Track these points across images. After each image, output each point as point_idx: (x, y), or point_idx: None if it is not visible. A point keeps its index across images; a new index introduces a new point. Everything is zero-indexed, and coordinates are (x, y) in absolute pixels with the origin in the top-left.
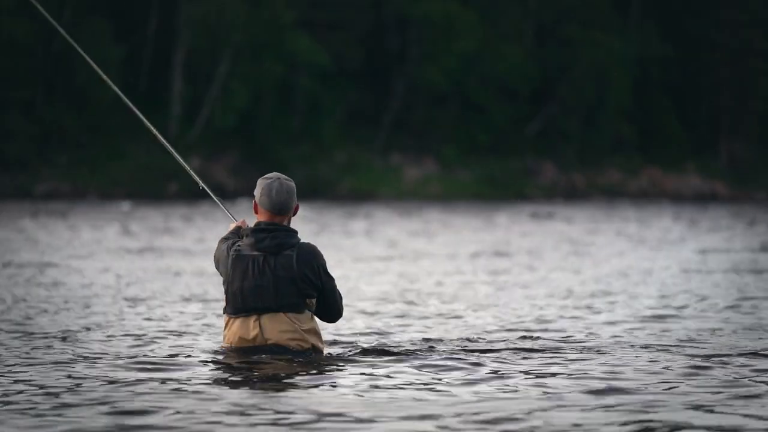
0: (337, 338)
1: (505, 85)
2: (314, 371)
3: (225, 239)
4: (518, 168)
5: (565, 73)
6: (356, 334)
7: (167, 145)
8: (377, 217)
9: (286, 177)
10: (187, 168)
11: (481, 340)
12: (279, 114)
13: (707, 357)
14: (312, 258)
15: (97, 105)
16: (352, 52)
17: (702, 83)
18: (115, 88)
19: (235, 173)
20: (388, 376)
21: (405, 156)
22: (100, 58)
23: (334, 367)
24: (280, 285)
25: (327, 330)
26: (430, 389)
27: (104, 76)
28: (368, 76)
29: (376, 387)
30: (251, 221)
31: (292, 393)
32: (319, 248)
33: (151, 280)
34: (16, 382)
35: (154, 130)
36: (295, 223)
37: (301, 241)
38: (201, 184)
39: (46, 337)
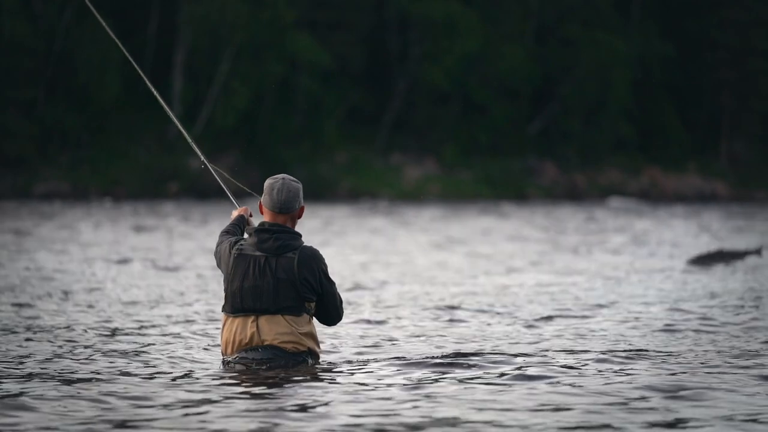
0: (333, 342)
1: (506, 84)
2: (308, 375)
3: (226, 232)
4: (519, 168)
5: (566, 73)
6: (355, 338)
7: (174, 118)
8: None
9: (294, 178)
10: (194, 146)
11: (471, 347)
12: (280, 114)
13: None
14: (313, 262)
15: (98, 105)
16: (353, 52)
17: (703, 83)
18: (129, 57)
19: (236, 173)
20: (382, 382)
21: (405, 156)
22: (101, 58)
23: (328, 371)
24: (280, 287)
25: (326, 333)
26: (416, 397)
27: (124, 50)
28: (369, 76)
29: (367, 393)
30: (255, 210)
31: (283, 397)
32: (321, 252)
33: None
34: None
35: (162, 101)
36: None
37: (304, 244)
38: (205, 161)
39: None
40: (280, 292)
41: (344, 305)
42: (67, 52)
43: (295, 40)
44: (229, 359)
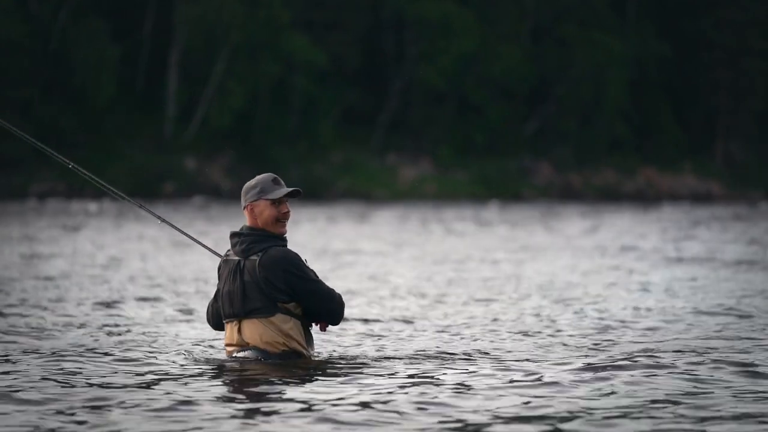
0: (329, 344)
1: (502, 85)
2: (292, 375)
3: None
4: (514, 168)
5: (561, 73)
6: (353, 341)
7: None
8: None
9: (260, 177)
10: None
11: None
12: (275, 114)
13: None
14: (276, 264)
15: (94, 105)
16: (349, 52)
17: (699, 83)
18: None
19: (231, 174)
20: (370, 386)
21: (401, 156)
22: (97, 58)
23: (313, 369)
24: (247, 290)
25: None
26: (390, 403)
27: None
28: (365, 76)
29: (350, 398)
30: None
31: (263, 397)
32: (294, 252)
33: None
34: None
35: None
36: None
37: (279, 247)
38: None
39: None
40: (247, 295)
41: (343, 302)
42: (63, 52)
43: (290, 40)
44: (228, 361)
